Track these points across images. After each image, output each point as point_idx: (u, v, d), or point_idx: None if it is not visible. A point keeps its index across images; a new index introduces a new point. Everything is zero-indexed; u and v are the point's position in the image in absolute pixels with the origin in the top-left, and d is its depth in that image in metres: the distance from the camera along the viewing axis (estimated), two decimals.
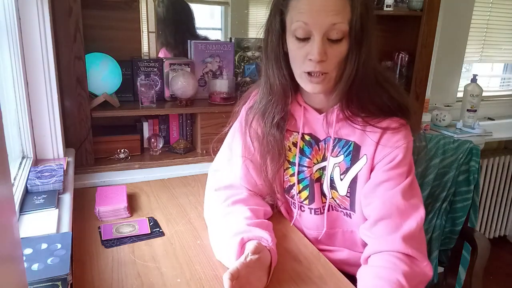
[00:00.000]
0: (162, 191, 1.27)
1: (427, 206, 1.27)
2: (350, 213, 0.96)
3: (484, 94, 2.19)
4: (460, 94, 2.32)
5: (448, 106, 2.26)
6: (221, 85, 1.58)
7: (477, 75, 2.17)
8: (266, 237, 0.85)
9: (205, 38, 1.73)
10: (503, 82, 2.79)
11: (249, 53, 1.69)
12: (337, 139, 0.93)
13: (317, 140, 0.96)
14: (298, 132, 0.97)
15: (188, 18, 1.72)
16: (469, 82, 2.19)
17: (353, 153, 0.91)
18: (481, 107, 2.22)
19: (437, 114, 2.15)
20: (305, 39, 0.82)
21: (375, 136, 0.88)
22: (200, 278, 0.84)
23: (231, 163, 1.04)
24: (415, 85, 1.84)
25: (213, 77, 1.63)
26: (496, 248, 2.41)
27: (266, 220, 0.96)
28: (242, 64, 1.69)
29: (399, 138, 0.87)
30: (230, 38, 1.71)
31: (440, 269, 1.31)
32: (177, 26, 1.68)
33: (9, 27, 1.06)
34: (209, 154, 1.52)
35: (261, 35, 0.93)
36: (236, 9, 1.81)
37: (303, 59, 0.83)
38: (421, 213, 0.85)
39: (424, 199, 1.24)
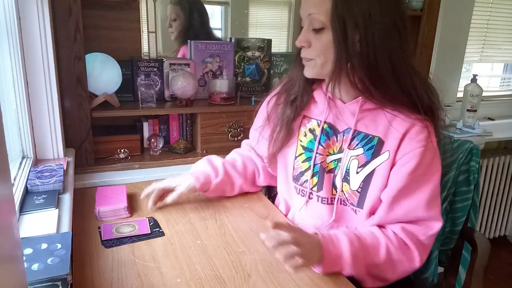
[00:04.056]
0: None
1: None
2: (356, 210, 0.96)
3: (484, 94, 2.19)
4: (460, 94, 2.32)
5: (448, 106, 2.25)
6: (221, 85, 1.58)
7: (477, 75, 2.17)
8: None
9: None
10: (503, 82, 2.79)
11: (249, 53, 1.69)
12: (356, 131, 0.95)
13: (335, 131, 0.99)
14: (316, 120, 1.02)
15: (204, 18, 1.74)
16: (469, 82, 2.19)
17: (376, 147, 0.92)
18: (481, 107, 2.22)
19: None
20: (302, 29, 0.92)
21: (401, 128, 0.89)
22: (200, 278, 0.84)
23: (253, 133, 1.20)
24: None
25: (213, 77, 1.63)
26: (496, 248, 2.41)
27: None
28: (242, 64, 1.69)
29: (424, 138, 0.87)
30: (230, 38, 1.71)
31: (440, 269, 1.31)
32: (195, 26, 1.70)
33: (9, 27, 1.06)
34: (209, 154, 1.52)
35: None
36: (236, 9, 1.81)
37: None
38: (437, 226, 0.90)
39: None
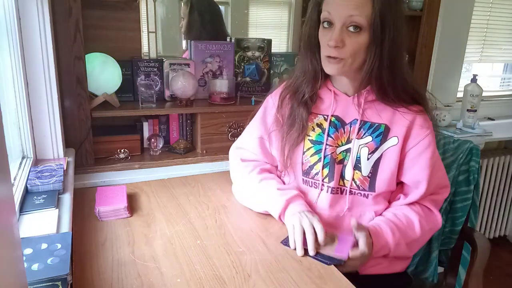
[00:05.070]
0: (162, 191, 1.27)
1: None
2: (368, 194, 1.02)
3: (484, 94, 2.19)
4: (460, 94, 2.32)
5: (448, 106, 2.25)
6: (221, 85, 1.58)
7: (477, 75, 2.17)
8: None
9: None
10: (503, 82, 2.78)
11: (249, 53, 1.69)
12: (362, 121, 1.01)
13: (343, 123, 1.04)
14: (323, 115, 1.06)
15: (218, 19, 1.74)
16: (469, 82, 2.19)
17: (384, 134, 1.00)
18: (481, 107, 2.21)
19: (437, 114, 2.15)
20: (329, 27, 0.94)
21: (408, 116, 0.99)
22: (200, 278, 0.84)
23: (254, 141, 1.15)
24: None
25: (213, 77, 1.63)
26: (496, 248, 2.41)
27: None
28: (242, 64, 1.69)
29: (429, 124, 1.00)
30: (230, 38, 1.71)
31: (440, 269, 1.31)
32: (208, 27, 1.71)
33: (9, 27, 1.06)
34: (209, 154, 1.53)
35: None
36: (236, 9, 1.82)
37: (325, 44, 0.94)
38: (449, 190, 1.09)
39: None
